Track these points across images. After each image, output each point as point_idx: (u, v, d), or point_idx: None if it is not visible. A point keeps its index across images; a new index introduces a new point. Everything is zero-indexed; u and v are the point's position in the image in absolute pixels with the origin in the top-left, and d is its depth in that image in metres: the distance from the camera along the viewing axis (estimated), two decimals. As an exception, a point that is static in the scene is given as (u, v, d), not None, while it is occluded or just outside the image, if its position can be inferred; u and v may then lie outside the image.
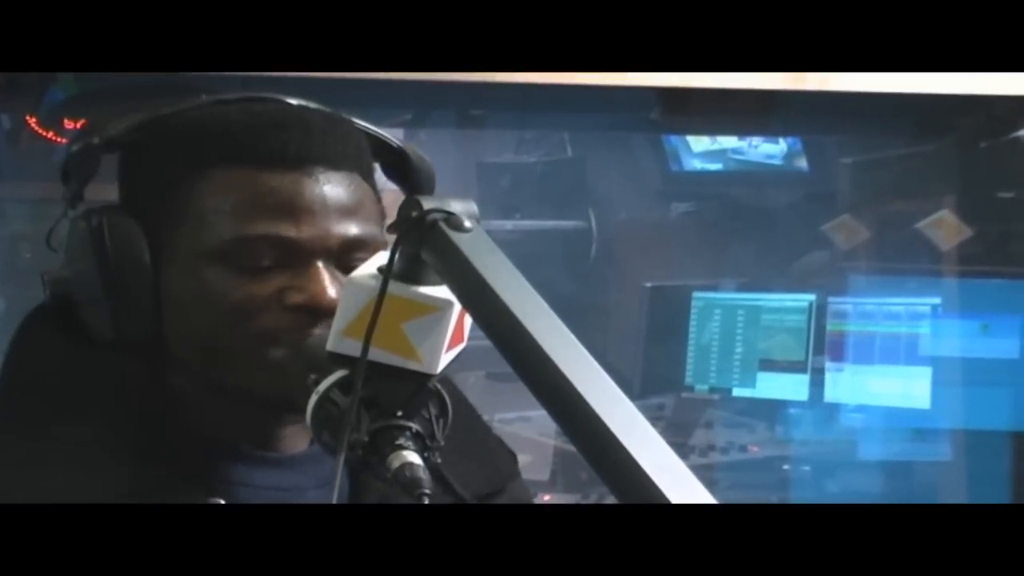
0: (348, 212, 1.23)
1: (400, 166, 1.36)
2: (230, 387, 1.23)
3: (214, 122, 1.25)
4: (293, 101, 1.29)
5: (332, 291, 1.20)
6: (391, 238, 1.05)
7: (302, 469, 1.28)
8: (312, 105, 1.30)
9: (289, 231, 1.21)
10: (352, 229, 1.23)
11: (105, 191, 1.29)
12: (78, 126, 2.89)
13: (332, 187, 1.23)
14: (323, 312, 1.18)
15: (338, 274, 1.22)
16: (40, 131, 2.95)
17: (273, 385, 1.20)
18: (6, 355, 1.29)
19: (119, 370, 1.27)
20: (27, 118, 2.94)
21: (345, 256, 1.22)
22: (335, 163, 1.24)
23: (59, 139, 2.91)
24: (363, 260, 1.21)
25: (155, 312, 1.23)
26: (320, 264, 1.21)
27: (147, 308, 1.23)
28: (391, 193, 1.33)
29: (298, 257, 1.21)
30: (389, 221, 1.12)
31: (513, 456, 1.44)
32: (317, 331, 1.18)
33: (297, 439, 1.29)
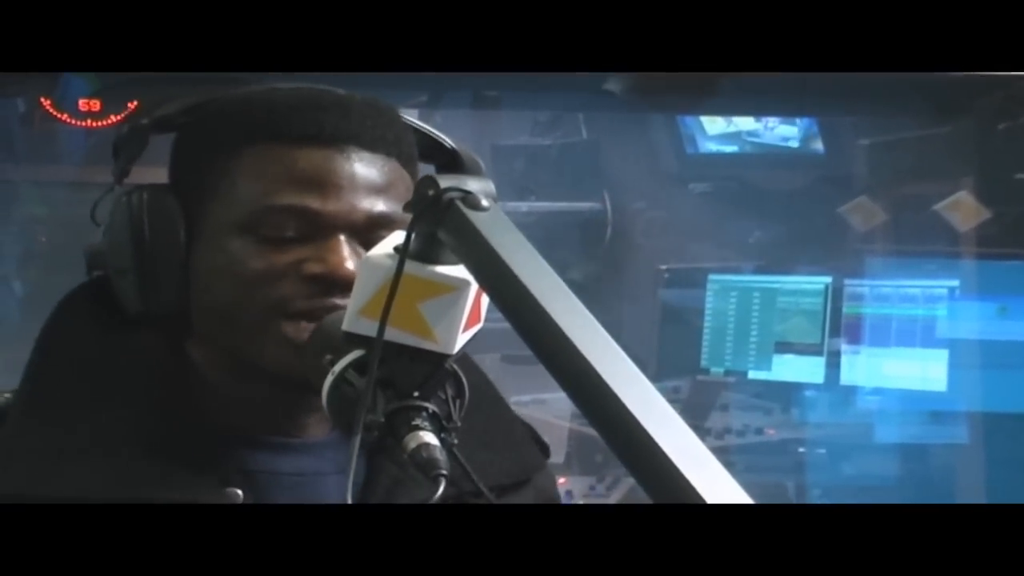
0: (377, 190, 1.24)
1: (452, 167, 1.36)
2: (244, 362, 1.23)
3: (255, 103, 1.28)
4: (338, 91, 1.30)
5: (351, 264, 1.20)
6: (408, 217, 1.05)
7: (322, 455, 1.28)
8: (357, 95, 1.31)
9: (314, 203, 1.22)
10: (379, 206, 1.23)
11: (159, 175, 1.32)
12: (93, 108, 2.89)
13: (364, 165, 1.24)
14: (339, 284, 1.19)
15: (360, 250, 1.22)
16: (55, 113, 2.94)
17: (285, 361, 1.20)
18: (37, 340, 1.30)
19: (145, 354, 1.28)
20: (41, 100, 2.93)
21: (370, 233, 1.22)
22: (371, 145, 1.25)
23: (74, 121, 2.91)
24: None
25: (183, 286, 1.25)
26: (342, 238, 1.22)
27: (175, 281, 1.25)
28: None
29: (321, 230, 1.22)
30: None
31: (544, 446, 1.44)
32: (336, 304, 1.18)
33: (318, 426, 1.29)
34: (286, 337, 1.20)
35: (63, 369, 1.28)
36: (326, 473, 1.27)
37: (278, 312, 1.21)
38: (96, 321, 1.29)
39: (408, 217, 1.07)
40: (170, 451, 1.22)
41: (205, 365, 1.28)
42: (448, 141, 1.37)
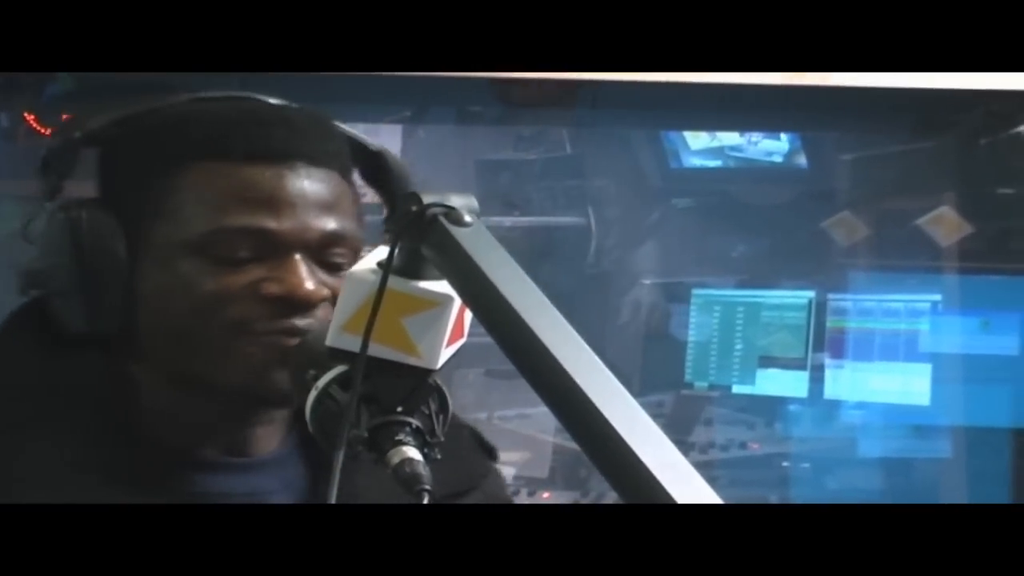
0: (328, 207, 1.23)
1: (377, 169, 1.35)
2: (200, 383, 1.23)
3: (195, 118, 1.26)
4: (274, 100, 1.29)
5: (309, 284, 1.20)
6: (361, 231, 1.05)
7: (272, 473, 1.28)
8: (294, 105, 1.30)
9: (268, 223, 1.21)
10: (331, 224, 1.23)
11: (87, 189, 1.29)
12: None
13: (312, 182, 1.23)
14: (299, 304, 1.19)
15: (315, 268, 1.22)
16: (39, 128, 2.93)
17: (243, 378, 1.20)
18: None
19: (88, 375, 1.26)
20: (25, 115, 2.92)
21: (323, 251, 1.22)
22: (316, 159, 1.24)
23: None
24: (340, 256, 1.22)
25: (126, 306, 1.23)
26: (298, 257, 1.22)
27: (118, 301, 1.23)
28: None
29: (276, 249, 1.21)
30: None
31: (490, 451, 1.42)
32: (295, 324, 1.18)
33: (265, 441, 1.28)
34: (246, 357, 1.20)
35: (5, 389, 1.26)
36: (275, 491, 1.27)
37: (237, 333, 1.20)
38: (37, 342, 1.27)
39: (360, 234, 1.07)
40: (117, 475, 1.21)
41: (151, 385, 1.26)
42: (373, 144, 1.35)
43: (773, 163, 3.58)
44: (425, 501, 1.00)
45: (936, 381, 3.08)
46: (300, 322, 1.19)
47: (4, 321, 1.31)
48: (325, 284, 1.22)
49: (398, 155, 1.39)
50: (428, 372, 1.08)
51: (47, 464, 1.20)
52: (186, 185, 1.23)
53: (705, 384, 3.28)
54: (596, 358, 0.92)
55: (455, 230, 1.01)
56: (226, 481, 1.26)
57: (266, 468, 1.28)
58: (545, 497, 3.10)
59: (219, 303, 1.21)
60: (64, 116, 2.82)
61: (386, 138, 2.12)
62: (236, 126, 1.24)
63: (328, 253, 1.22)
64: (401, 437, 1.04)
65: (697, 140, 3.57)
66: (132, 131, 1.27)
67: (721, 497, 0.84)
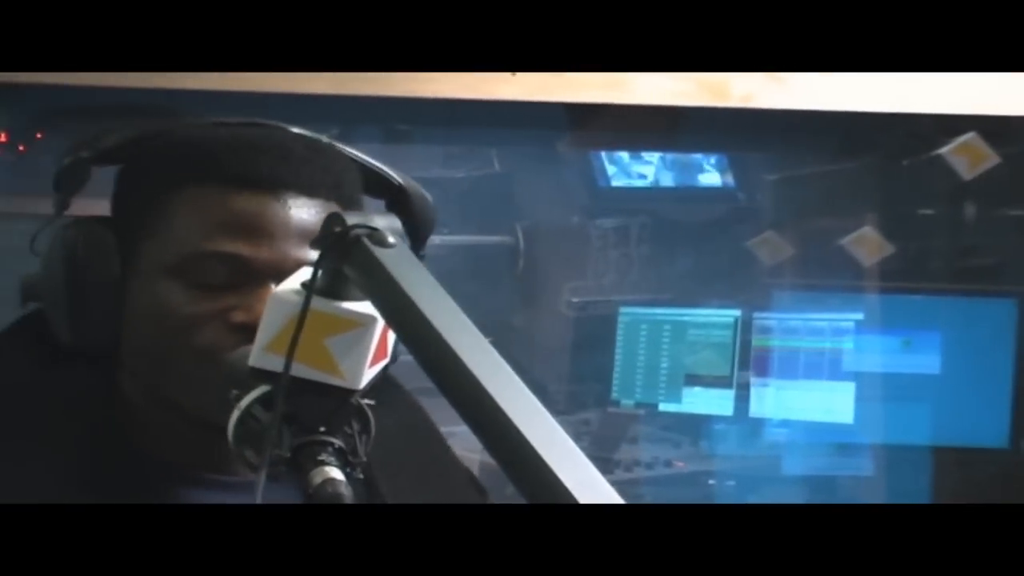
0: (310, 238, 1.23)
1: (401, 203, 1.36)
2: (175, 404, 1.23)
3: (195, 142, 1.27)
4: (288, 128, 1.30)
5: None
6: (314, 253, 1.05)
7: (251, 493, 1.27)
8: (305, 133, 1.30)
9: (243, 250, 1.22)
10: (312, 254, 1.23)
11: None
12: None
13: (299, 211, 1.24)
14: None
15: None
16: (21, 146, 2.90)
17: (211, 403, 1.20)
18: None
19: (80, 387, 1.27)
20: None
21: None
22: (308, 190, 1.25)
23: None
24: None
25: (115, 323, 1.24)
26: (272, 286, 1.21)
27: (107, 318, 1.24)
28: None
29: (250, 277, 1.22)
30: None
31: (482, 493, 1.45)
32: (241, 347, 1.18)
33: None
34: (211, 383, 1.20)
35: None
36: None
37: (206, 358, 1.21)
38: (33, 355, 1.28)
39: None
40: (103, 488, 1.21)
41: (137, 400, 1.28)
42: (396, 177, 1.36)
43: (700, 183, 3.60)
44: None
45: (859, 399, 3.11)
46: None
47: (3, 330, 1.31)
48: None
49: None
50: (351, 392, 1.08)
51: (33, 474, 1.20)
52: (177, 208, 1.25)
53: (631, 402, 3.30)
54: (516, 378, 0.93)
55: (378, 251, 1.02)
56: (208, 498, 1.26)
57: (249, 489, 1.28)
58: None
59: (190, 328, 1.22)
60: (38, 134, 2.79)
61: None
62: (231, 152, 1.25)
63: None
64: (323, 457, 1.04)
65: (625, 160, 3.59)
66: (138, 152, 1.29)
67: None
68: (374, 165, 1.36)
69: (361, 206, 1.32)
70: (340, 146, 1.33)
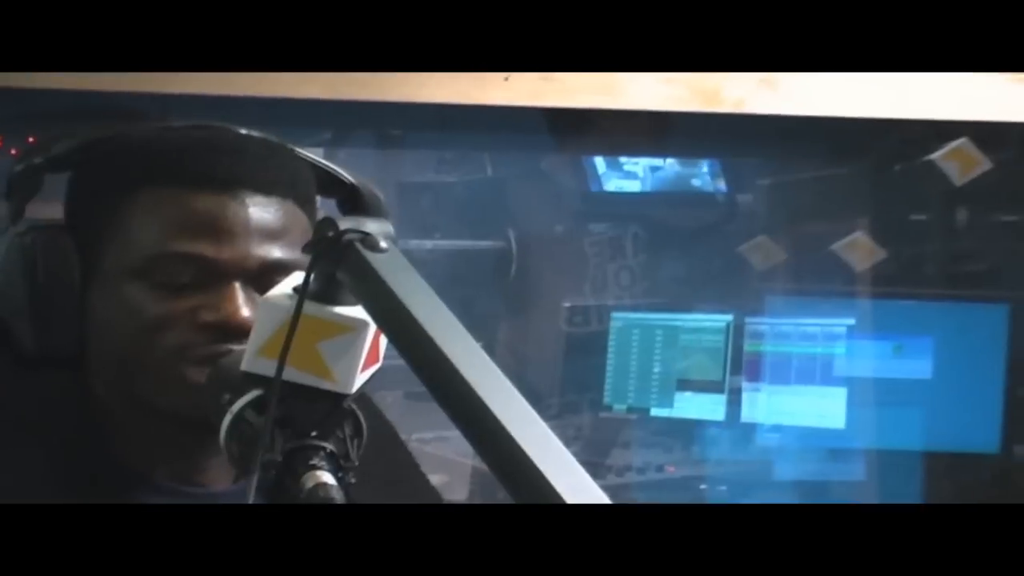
0: (272, 236, 1.24)
1: (353, 202, 1.36)
2: (146, 406, 1.23)
3: (150, 145, 1.27)
4: (238, 129, 1.30)
5: (246, 311, 1.20)
6: (307, 258, 1.06)
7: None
8: (256, 134, 1.30)
9: (207, 250, 1.22)
10: (274, 252, 1.24)
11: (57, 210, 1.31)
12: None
13: (258, 210, 1.24)
14: (234, 332, 1.19)
15: (255, 296, 1.22)
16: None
17: (184, 402, 1.20)
18: None
19: (47, 396, 1.27)
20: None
21: (265, 279, 1.23)
22: (265, 188, 1.25)
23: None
24: None
25: (78, 329, 1.24)
26: (237, 285, 1.22)
27: (70, 324, 1.24)
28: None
29: (215, 277, 1.22)
30: None
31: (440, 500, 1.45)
32: (232, 350, 1.18)
33: (216, 473, 1.28)
34: (187, 382, 1.20)
35: None
36: None
37: (178, 358, 1.21)
38: None
39: (304, 259, 1.08)
40: (72, 494, 1.21)
41: (106, 406, 1.27)
42: (348, 176, 1.37)
43: (692, 188, 3.61)
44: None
45: (851, 404, 3.12)
46: (237, 348, 1.19)
47: None
48: None
49: None
50: (343, 397, 1.08)
51: (4, 482, 1.20)
52: (135, 211, 1.25)
53: (623, 407, 3.30)
54: (508, 382, 0.93)
55: (370, 255, 1.02)
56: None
57: (224, 500, 1.28)
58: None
59: (158, 328, 1.22)
60: (30, 139, 2.79)
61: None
62: (186, 153, 1.25)
63: (270, 281, 1.22)
64: (315, 461, 1.04)
65: (618, 164, 3.59)
66: (92, 156, 1.29)
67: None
68: (325, 165, 1.36)
69: (315, 205, 1.32)
70: (291, 146, 1.33)
